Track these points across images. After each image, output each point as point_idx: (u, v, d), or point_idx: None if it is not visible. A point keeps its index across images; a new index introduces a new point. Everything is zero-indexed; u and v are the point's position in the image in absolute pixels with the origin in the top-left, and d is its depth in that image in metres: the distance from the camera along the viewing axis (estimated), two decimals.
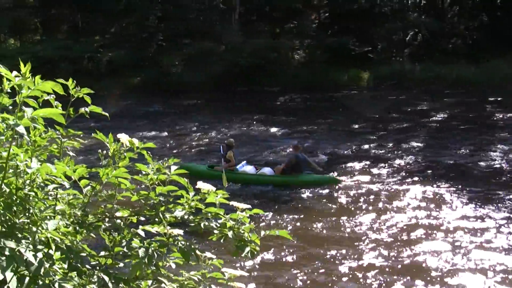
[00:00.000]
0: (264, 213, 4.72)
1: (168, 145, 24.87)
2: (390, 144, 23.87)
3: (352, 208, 14.95)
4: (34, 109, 3.02)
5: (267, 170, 18.06)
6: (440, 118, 31.30)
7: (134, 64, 49.44)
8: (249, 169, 18.34)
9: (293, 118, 32.33)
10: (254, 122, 30.77)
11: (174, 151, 23.30)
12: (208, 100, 41.09)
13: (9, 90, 3.04)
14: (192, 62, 48.01)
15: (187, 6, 52.59)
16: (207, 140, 26.33)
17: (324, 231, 13.27)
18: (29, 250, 2.86)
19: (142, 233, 3.52)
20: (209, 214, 3.58)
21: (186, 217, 3.52)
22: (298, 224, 13.76)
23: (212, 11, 54.12)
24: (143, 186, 3.65)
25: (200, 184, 3.58)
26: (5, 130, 3.00)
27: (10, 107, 3.15)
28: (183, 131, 28.78)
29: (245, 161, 19.12)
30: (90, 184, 3.54)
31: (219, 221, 3.59)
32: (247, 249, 3.53)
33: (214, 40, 50.41)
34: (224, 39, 51.77)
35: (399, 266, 11.25)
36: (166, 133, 27.87)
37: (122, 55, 50.61)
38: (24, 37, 64.53)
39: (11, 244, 2.83)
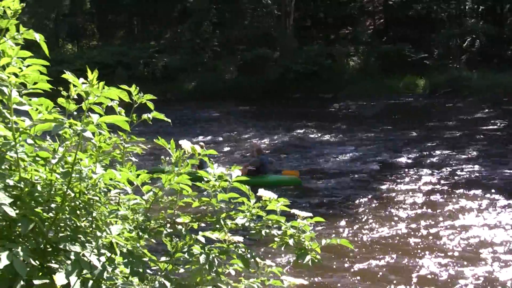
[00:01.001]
0: (325, 221, 4.68)
1: (223, 150, 24.98)
2: (446, 153, 23.45)
3: (407, 216, 14.74)
4: (100, 115, 3.07)
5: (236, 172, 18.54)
6: (497, 127, 30.60)
7: (189, 69, 49.94)
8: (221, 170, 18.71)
9: (347, 125, 32.10)
10: (308, 129, 30.67)
11: (229, 157, 23.40)
12: (262, 106, 41.16)
13: (75, 97, 3.10)
14: (247, 68, 48.21)
15: (242, 12, 52.92)
16: (262, 145, 26.36)
17: (381, 239, 13.12)
18: (93, 254, 2.91)
19: (203, 239, 3.53)
20: (270, 222, 3.58)
21: (247, 224, 3.53)
22: (356, 231, 13.64)
23: (267, 17, 54.28)
24: (205, 192, 3.67)
25: (262, 192, 3.58)
26: (71, 135, 3.06)
27: (75, 113, 3.21)
28: (237, 136, 28.88)
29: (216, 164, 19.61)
30: (153, 190, 3.58)
31: (280, 229, 3.59)
32: (308, 257, 3.51)
33: (269, 46, 50.55)
34: (278, 45, 51.89)
35: (463, 279, 11.03)
36: (221, 138, 28.03)
37: (177, 60, 51.17)
38: (81, 42, 65.79)
39: (77, 248, 2.88)
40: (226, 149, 25.59)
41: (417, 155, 23.19)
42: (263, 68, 47.40)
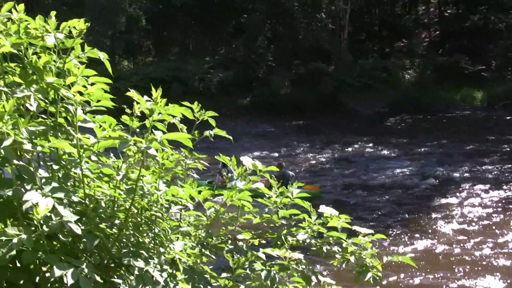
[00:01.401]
0: (386, 238, 4.62)
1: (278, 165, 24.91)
2: (505, 167, 22.97)
3: (465, 232, 14.48)
4: (163, 132, 3.10)
5: (258, 185, 18.78)
6: None
7: (244, 84, 50.16)
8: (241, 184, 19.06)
9: (403, 139, 31.76)
10: (363, 143, 30.46)
11: (278, 169, 23.32)
12: (317, 120, 41.05)
13: (138, 114, 3.14)
14: (301, 82, 48.19)
15: (296, 27, 52.97)
16: (317, 159, 26.27)
17: (438, 255, 12.91)
18: (156, 270, 2.93)
19: (263, 256, 3.52)
20: (331, 238, 3.55)
21: (308, 241, 3.51)
22: (414, 247, 13.45)
23: (321, 31, 54.23)
24: (266, 209, 3.67)
25: (323, 208, 3.56)
26: (135, 152, 3.10)
27: (137, 130, 3.26)
28: (293, 150, 28.86)
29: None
30: (214, 206, 3.59)
31: (341, 246, 3.56)
32: (369, 274, 3.47)
33: (323, 60, 50.47)
34: (333, 58, 51.78)
35: None
36: (276, 153, 28.03)
37: (232, 75, 51.50)
38: (137, 59, 66.80)
39: (140, 263, 2.91)
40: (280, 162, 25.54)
41: (475, 169, 22.78)
42: (318, 82, 47.32)
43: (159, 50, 67.79)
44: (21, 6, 3.34)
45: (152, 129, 3.07)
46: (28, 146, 2.82)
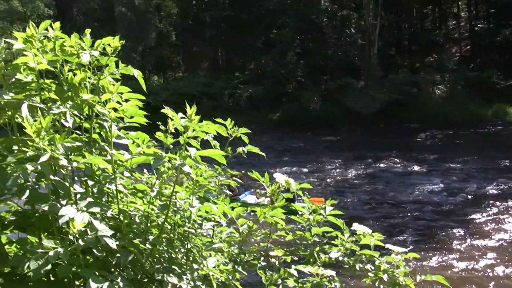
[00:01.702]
0: (419, 256, 4.56)
1: (308, 181, 24.87)
2: None
3: (497, 250, 14.27)
4: (197, 149, 3.12)
5: (266, 200, 19.07)
6: None
7: (274, 99, 50.20)
8: (250, 198, 19.53)
9: (434, 155, 31.46)
10: (393, 159, 30.25)
11: (315, 188, 23.27)
12: (347, 136, 40.92)
13: (172, 131, 3.16)
14: (331, 98, 48.09)
15: (326, 42, 52.97)
16: (346, 175, 26.15)
17: (471, 274, 12.73)
18: (190, 286, 2.94)
19: (295, 273, 3.52)
20: (364, 256, 3.54)
21: (340, 258, 3.50)
22: (447, 265, 13.29)
23: (350, 46, 54.17)
24: (299, 226, 3.66)
25: (356, 226, 3.54)
26: (169, 169, 3.12)
27: (171, 146, 3.28)
28: (323, 166, 28.75)
29: (248, 191, 20.40)
30: (247, 223, 3.59)
31: (374, 264, 3.53)
32: None
33: (353, 75, 50.39)
34: (363, 74, 51.66)
35: None
36: (306, 169, 27.95)
37: (261, 91, 51.57)
38: (167, 74, 67.28)
39: (173, 279, 2.92)
40: (311, 179, 25.48)
41: (508, 186, 22.46)
42: (347, 97, 47.18)
43: (189, 66, 68.30)
44: (57, 24, 3.40)
45: (186, 146, 3.09)
46: (64, 161, 2.85)
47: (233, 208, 3.45)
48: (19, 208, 3.58)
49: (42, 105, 3.11)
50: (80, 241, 2.71)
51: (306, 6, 53.05)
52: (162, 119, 3.40)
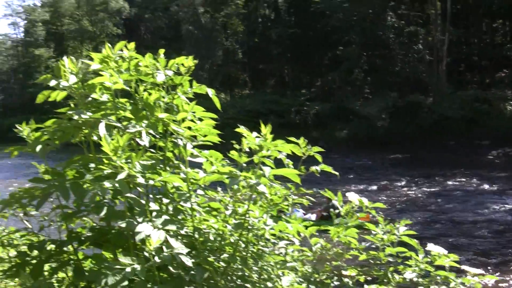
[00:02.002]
0: (497, 278, 4.42)
1: (376, 199, 24.58)
2: None
3: None
4: (271, 167, 3.12)
5: (313, 216, 19.51)
6: None
7: (341, 117, 49.95)
8: (298, 214, 19.00)
9: (506, 173, 30.65)
10: (463, 178, 29.60)
11: (384, 206, 22.89)
12: (416, 153, 40.29)
13: (247, 149, 3.18)
14: (399, 115, 47.48)
15: (393, 58, 52.48)
16: (416, 194, 25.74)
17: None
18: None
19: None
20: (439, 278, 3.47)
21: (415, 279, 3.43)
22: None
23: (418, 62, 53.49)
24: (373, 245, 3.62)
25: (430, 246, 3.48)
26: (243, 187, 3.13)
27: (244, 165, 3.29)
28: (391, 184, 28.37)
29: (295, 209, 20.09)
30: (320, 242, 3.57)
31: (449, 285, 3.46)
32: None
33: (421, 92, 49.72)
34: (431, 90, 50.90)
35: None
36: (374, 187, 27.63)
37: (328, 108, 51.39)
38: (233, 91, 67.80)
39: None
40: (379, 197, 25.17)
41: None
42: (416, 114, 46.54)
43: (255, 83, 68.70)
44: (132, 45, 3.47)
45: (261, 165, 3.10)
46: (141, 179, 2.90)
47: (306, 227, 3.44)
48: (94, 224, 3.66)
49: (118, 124, 3.17)
50: (156, 258, 2.75)
51: (372, 23, 52.76)
52: (230, 137, 3.43)
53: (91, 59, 3.43)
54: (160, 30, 74.06)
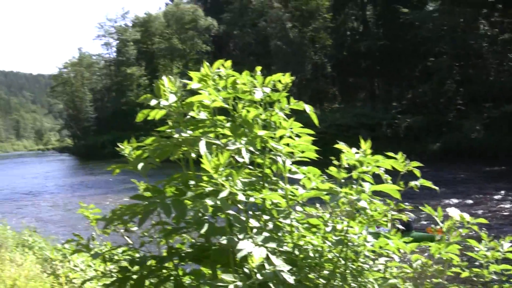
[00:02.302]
0: None
1: (473, 213, 23.84)
2: None
3: None
4: (370, 183, 3.10)
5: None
6: None
7: (433, 129, 48.99)
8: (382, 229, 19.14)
9: None
10: None
11: (486, 221, 22.25)
12: None
13: (345, 165, 3.16)
14: (495, 126, 46.10)
15: (486, 68, 51.15)
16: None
17: None
18: None
19: None
20: None
21: None
22: None
23: None
24: (476, 262, 3.52)
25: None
26: (343, 203, 3.11)
27: (342, 181, 3.27)
28: (487, 198, 27.55)
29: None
30: (421, 259, 3.50)
31: None
32: None
33: None
34: None
35: None
36: (470, 201, 26.91)
37: (420, 120, 50.49)
38: (323, 105, 67.64)
39: None
40: (476, 211, 24.46)
41: None
42: None
43: (345, 96, 68.38)
44: (228, 63, 3.52)
45: (361, 181, 3.08)
46: (241, 197, 2.92)
47: (406, 243, 3.38)
48: (193, 240, 3.72)
49: (218, 142, 3.21)
50: (258, 275, 2.76)
51: (463, 32, 51.58)
52: (320, 151, 3.42)
53: (189, 77, 3.50)
54: (248, 46, 74.83)
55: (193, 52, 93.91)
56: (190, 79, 3.50)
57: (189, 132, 3.28)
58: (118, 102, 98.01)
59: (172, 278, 3.48)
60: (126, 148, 3.57)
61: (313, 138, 3.42)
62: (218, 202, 2.85)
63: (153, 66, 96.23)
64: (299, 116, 3.61)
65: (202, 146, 3.06)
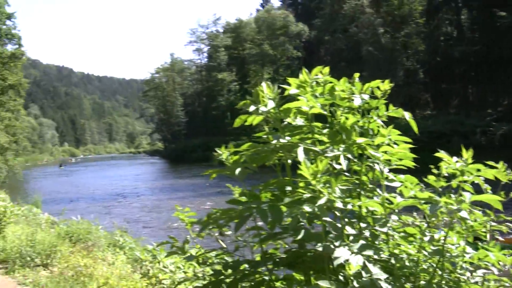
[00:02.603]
0: None
1: None
2: None
3: None
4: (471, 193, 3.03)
5: None
6: None
7: None
8: None
9: None
10: None
11: None
12: None
13: (445, 174, 3.10)
14: None
15: None
16: None
17: None
18: None
19: None
20: None
21: None
22: None
23: None
24: None
25: None
26: (441, 213, 3.06)
27: (440, 189, 3.20)
28: None
29: None
30: None
31: None
32: None
33: None
34: None
35: None
36: None
37: None
38: (415, 112, 66.48)
39: None
40: None
41: None
42: None
43: (437, 103, 66.98)
44: (326, 69, 3.51)
45: (461, 190, 3.02)
46: (339, 204, 2.92)
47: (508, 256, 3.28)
48: (287, 246, 3.73)
49: (316, 148, 3.21)
50: (355, 283, 2.75)
51: None
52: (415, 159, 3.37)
53: (282, 83, 3.52)
54: (340, 52, 74.44)
55: (283, 58, 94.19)
56: (285, 84, 3.52)
57: (287, 138, 3.29)
58: (208, 107, 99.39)
59: (265, 283, 3.50)
60: (223, 153, 3.62)
61: (412, 146, 3.37)
62: (316, 209, 2.85)
63: (244, 71, 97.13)
64: (391, 123, 3.56)
65: (300, 153, 3.07)
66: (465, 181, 3.11)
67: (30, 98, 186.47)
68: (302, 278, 3.40)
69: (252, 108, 3.35)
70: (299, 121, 3.47)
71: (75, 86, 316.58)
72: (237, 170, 3.42)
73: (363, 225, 3.17)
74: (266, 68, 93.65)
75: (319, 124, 3.46)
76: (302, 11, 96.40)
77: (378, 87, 3.48)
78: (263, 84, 3.42)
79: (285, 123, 3.49)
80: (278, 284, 3.51)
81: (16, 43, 56.25)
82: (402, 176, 3.36)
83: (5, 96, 56.82)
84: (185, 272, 8.63)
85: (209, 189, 40.30)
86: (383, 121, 3.45)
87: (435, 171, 3.18)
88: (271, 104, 3.34)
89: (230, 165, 3.53)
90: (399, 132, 3.36)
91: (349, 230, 3.10)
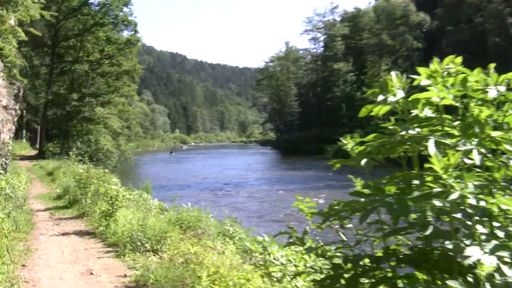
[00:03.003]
0: None
1: None
2: None
3: None
4: None
5: None
6: None
7: None
8: None
9: None
10: None
11: None
12: None
13: None
14: None
15: None
16: None
17: None
18: None
19: None
20: None
21: None
22: None
23: None
24: None
25: None
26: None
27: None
28: None
29: None
30: None
31: None
32: None
33: None
34: None
35: None
36: None
37: None
38: None
39: None
40: None
41: None
42: None
43: None
44: (459, 59, 3.35)
45: None
46: (472, 200, 2.77)
47: None
48: (410, 242, 3.59)
49: (447, 141, 3.07)
50: (487, 285, 2.60)
51: None
52: None
53: (417, 73, 3.38)
54: (463, 43, 71.95)
55: (402, 49, 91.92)
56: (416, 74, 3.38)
57: (417, 130, 3.16)
58: (323, 97, 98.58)
59: (387, 280, 3.37)
60: (349, 143, 3.52)
61: None
62: (447, 204, 2.72)
63: (361, 62, 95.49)
64: None
65: (431, 145, 2.94)
66: None
67: (144, 84, 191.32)
68: (425, 277, 3.24)
69: (380, 97, 3.24)
70: (428, 112, 3.33)
71: (188, 73, 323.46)
72: (363, 161, 3.33)
73: (497, 224, 3.00)
74: (384, 59, 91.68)
75: (449, 116, 3.31)
76: (423, 0, 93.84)
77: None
78: (392, 73, 3.31)
79: (413, 114, 3.35)
80: (398, 282, 3.38)
81: (132, 30, 58.03)
82: None
83: (120, 82, 58.83)
84: (295, 266, 8.61)
85: (321, 182, 40.10)
86: None
87: None
88: (400, 94, 3.22)
89: (356, 156, 3.43)
90: None
91: (480, 229, 2.94)
